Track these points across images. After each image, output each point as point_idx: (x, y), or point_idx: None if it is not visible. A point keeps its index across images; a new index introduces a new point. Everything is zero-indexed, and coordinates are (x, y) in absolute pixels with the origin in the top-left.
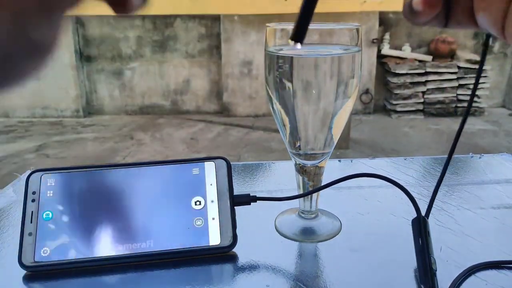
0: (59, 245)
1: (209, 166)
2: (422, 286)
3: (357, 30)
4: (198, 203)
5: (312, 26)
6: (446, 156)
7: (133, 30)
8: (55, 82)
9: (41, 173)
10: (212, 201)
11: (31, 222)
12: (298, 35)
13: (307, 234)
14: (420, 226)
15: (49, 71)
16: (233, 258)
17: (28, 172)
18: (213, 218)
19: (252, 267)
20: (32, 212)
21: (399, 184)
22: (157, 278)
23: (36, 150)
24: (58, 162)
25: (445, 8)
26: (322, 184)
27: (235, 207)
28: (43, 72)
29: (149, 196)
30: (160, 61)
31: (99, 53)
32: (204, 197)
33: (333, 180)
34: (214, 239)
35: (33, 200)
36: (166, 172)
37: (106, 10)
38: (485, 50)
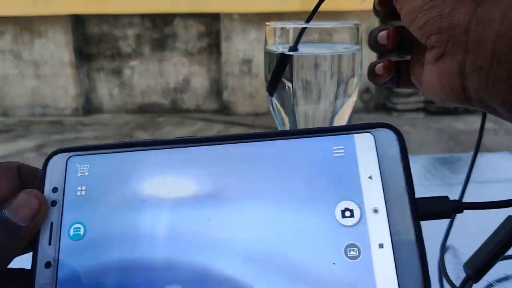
0: (96, 285)
1: (364, 142)
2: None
3: (357, 28)
4: (348, 213)
5: (312, 25)
6: (446, 155)
7: (133, 28)
8: (55, 80)
9: (67, 154)
10: (375, 211)
11: (49, 244)
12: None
13: None
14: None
15: (49, 70)
16: None
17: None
18: (381, 245)
19: None
20: (52, 224)
21: None
22: None
23: (36, 149)
24: None
25: (396, 74)
26: None
27: (420, 222)
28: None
29: (252, 199)
30: (159, 60)
31: (99, 51)
32: (360, 203)
33: None
34: None
35: (53, 203)
36: (282, 154)
37: (106, 9)
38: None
